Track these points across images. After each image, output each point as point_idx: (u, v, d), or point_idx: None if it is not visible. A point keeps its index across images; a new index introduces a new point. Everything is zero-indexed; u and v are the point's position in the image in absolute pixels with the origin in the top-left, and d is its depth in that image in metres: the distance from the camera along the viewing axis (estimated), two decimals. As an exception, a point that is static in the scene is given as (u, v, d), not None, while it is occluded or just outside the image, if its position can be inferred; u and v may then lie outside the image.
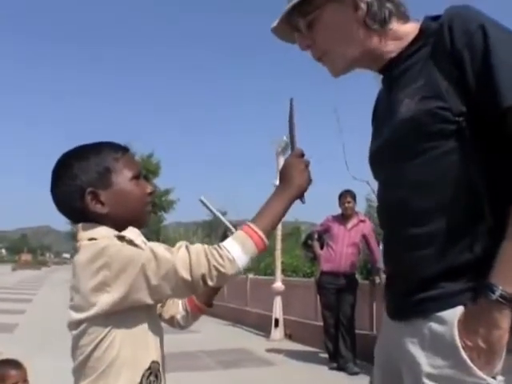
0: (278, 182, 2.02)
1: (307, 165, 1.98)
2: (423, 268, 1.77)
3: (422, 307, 1.76)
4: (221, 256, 1.73)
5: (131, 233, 1.83)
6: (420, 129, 1.75)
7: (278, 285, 12.10)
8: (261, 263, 18.19)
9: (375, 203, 15.86)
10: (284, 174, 1.98)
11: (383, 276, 8.17)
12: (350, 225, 8.68)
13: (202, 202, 2.19)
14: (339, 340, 8.50)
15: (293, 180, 1.94)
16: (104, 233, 1.87)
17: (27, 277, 49.85)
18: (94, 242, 1.82)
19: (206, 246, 1.77)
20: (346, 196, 8.78)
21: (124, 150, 2.03)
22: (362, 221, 8.83)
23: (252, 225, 1.82)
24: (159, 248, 1.76)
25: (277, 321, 11.88)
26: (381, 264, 8.25)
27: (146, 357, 1.84)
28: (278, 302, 12.00)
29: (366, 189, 16.07)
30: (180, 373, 8.35)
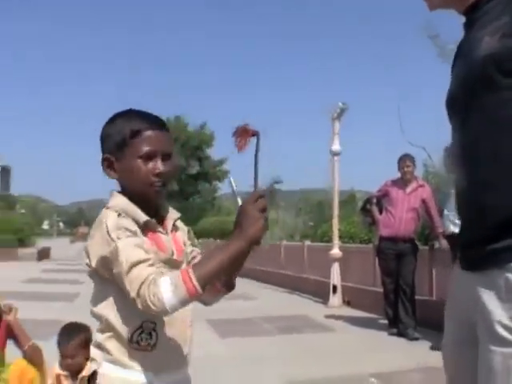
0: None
1: (264, 209, 1.87)
2: (500, 213, 1.69)
3: (497, 257, 1.69)
4: (154, 294, 1.77)
5: (137, 214, 1.99)
6: (499, 66, 1.69)
7: (336, 251, 12.04)
8: (317, 230, 18.17)
9: (432, 169, 15.63)
10: (236, 222, 1.90)
11: (443, 241, 8.03)
12: (409, 189, 8.51)
13: (229, 181, 2.15)
14: (399, 306, 8.41)
15: (244, 231, 1.86)
16: (115, 203, 2.01)
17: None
18: (104, 210, 2.00)
19: (150, 276, 1.80)
20: (406, 160, 8.60)
21: (149, 125, 2.04)
22: (421, 185, 8.64)
23: (190, 271, 1.81)
24: (127, 251, 1.86)
25: (335, 287, 11.85)
26: (441, 229, 8.10)
27: (136, 316, 1.93)
28: (335, 269, 11.96)
29: (422, 155, 15.81)
30: (239, 338, 8.44)
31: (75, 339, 3.99)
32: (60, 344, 4.04)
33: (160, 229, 2.08)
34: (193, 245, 2.25)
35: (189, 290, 1.78)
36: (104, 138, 2.08)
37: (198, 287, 1.79)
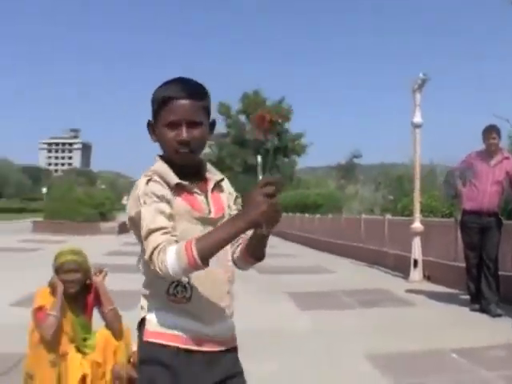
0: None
1: (270, 195, 1.91)
2: None
3: None
4: (162, 261, 1.96)
5: (169, 176, 2.16)
6: None
7: (417, 225, 11.88)
8: (397, 204, 17.95)
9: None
10: (243, 204, 2.08)
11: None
12: (493, 162, 8.27)
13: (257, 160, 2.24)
14: (482, 281, 8.25)
15: (246, 213, 1.94)
16: (152, 168, 2.20)
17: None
18: (144, 173, 2.17)
19: (162, 244, 1.98)
20: (491, 131, 8.34)
21: (177, 93, 2.16)
22: (506, 158, 8.37)
23: (193, 243, 1.94)
24: (148, 217, 2.05)
25: (415, 262, 11.72)
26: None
27: None
28: (416, 243, 11.81)
29: (506, 127, 15.31)
30: (319, 311, 8.48)
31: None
32: None
33: (196, 189, 2.21)
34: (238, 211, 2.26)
35: (189, 260, 1.93)
36: (151, 103, 2.23)
37: (198, 259, 1.94)
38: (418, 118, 11.87)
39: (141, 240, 2.09)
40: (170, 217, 2.07)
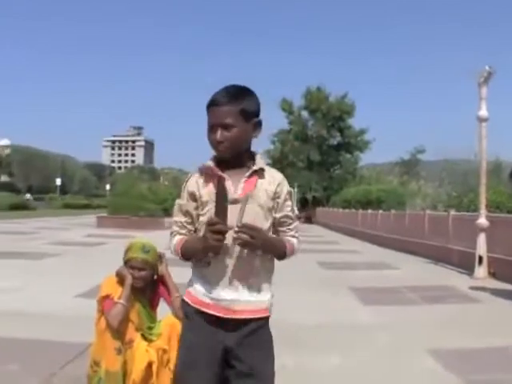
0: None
1: (216, 232, 2.44)
2: None
3: None
4: (171, 244, 2.76)
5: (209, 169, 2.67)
6: None
7: (483, 221, 11.67)
8: (462, 200, 17.66)
9: None
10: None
11: None
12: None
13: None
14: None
15: (201, 241, 2.55)
16: (201, 165, 2.73)
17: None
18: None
19: (173, 233, 2.79)
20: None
21: (211, 101, 2.61)
22: None
23: (182, 243, 2.70)
24: (175, 211, 2.81)
25: (481, 258, 11.53)
26: None
27: None
28: (481, 239, 11.62)
29: None
30: (383, 306, 8.43)
31: None
32: None
33: (227, 176, 2.62)
34: (280, 198, 2.76)
35: (177, 253, 2.71)
36: None
37: (180, 256, 2.70)
38: (483, 112, 11.67)
39: None
40: (187, 213, 2.72)
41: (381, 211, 24.84)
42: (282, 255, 2.70)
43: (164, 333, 4.37)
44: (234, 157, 2.65)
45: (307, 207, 52.97)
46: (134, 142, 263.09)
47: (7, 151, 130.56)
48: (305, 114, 58.74)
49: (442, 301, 8.90)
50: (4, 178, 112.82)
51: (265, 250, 2.60)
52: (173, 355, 4.30)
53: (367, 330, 6.86)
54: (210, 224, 2.45)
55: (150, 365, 4.29)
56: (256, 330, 2.64)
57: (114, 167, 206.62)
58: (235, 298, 2.61)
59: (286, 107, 57.84)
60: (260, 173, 2.69)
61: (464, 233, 13.46)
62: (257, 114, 2.67)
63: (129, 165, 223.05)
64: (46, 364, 5.07)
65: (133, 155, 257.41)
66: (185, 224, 2.73)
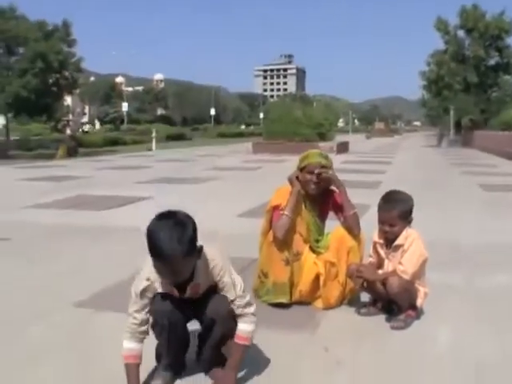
0: None
1: None
2: None
3: None
4: None
5: None
6: None
7: None
8: None
9: None
10: None
11: None
12: None
13: None
14: None
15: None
16: None
17: (382, 143, 51.28)
18: None
19: None
20: None
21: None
22: None
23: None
24: None
25: None
26: None
27: None
28: None
29: None
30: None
31: (396, 209, 4.03)
32: (381, 209, 4.12)
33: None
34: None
35: None
36: None
37: None
38: None
39: None
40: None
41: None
42: None
43: (332, 246, 4.36)
44: None
45: (463, 131, 51.01)
46: (285, 70, 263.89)
47: (162, 85, 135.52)
48: (461, 33, 55.84)
49: None
50: (160, 111, 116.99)
51: None
52: (341, 269, 4.30)
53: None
54: None
55: (317, 277, 4.32)
56: None
57: (266, 96, 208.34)
58: None
59: (441, 27, 55.18)
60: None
61: None
62: None
63: (281, 93, 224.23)
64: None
65: (284, 83, 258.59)
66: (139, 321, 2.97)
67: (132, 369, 2.94)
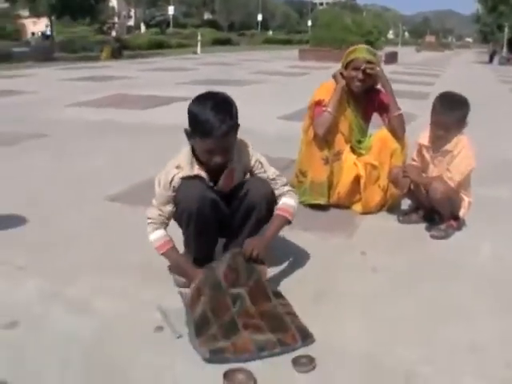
0: None
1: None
2: None
3: None
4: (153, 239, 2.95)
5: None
6: None
7: None
8: None
9: None
10: None
11: None
12: None
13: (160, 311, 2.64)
14: None
15: (189, 274, 2.86)
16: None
17: (432, 57, 49.80)
18: None
19: None
20: None
21: None
22: None
23: (168, 248, 2.88)
24: None
25: None
26: None
27: None
28: None
29: None
30: None
31: (456, 113, 3.76)
32: (437, 112, 3.81)
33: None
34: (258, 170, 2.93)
35: (156, 250, 2.89)
36: None
37: (160, 253, 2.89)
38: None
39: None
40: (168, 203, 2.89)
41: None
42: None
43: (374, 148, 4.16)
44: None
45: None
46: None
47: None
48: None
49: None
50: (207, 16, 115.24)
51: None
52: (383, 173, 4.11)
53: None
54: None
55: (357, 179, 4.14)
56: None
57: (315, 3, 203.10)
58: None
59: None
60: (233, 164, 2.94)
61: None
62: None
63: (330, 1, 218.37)
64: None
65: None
66: (165, 214, 2.85)
67: (174, 252, 2.88)
